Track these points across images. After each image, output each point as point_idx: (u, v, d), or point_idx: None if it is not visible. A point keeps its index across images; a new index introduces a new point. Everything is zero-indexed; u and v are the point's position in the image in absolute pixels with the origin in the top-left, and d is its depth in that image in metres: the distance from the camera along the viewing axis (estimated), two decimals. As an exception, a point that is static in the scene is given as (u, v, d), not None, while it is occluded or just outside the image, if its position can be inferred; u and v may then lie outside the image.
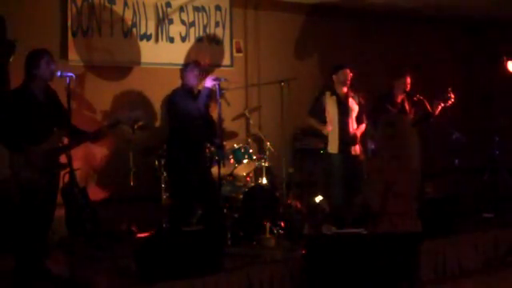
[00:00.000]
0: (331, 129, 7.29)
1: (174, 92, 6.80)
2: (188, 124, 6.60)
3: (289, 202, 7.59)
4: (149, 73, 7.85)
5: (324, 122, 7.37)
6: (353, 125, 7.38)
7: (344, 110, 7.34)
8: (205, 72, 7.45)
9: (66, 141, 5.49)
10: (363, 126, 7.50)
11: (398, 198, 4.53)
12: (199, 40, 8.25)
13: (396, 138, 4.59)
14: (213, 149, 6.92)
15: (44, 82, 5.43)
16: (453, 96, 7.67)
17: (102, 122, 7.23)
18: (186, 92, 6.73)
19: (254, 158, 7.52)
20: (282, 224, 7.08)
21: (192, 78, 6.79)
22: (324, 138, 7.42)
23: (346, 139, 7.29)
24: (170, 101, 6.82)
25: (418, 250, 4.58)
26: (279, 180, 7.76)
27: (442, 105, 7.65)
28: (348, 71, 7.35)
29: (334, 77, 7.40)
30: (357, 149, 7.37)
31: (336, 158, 7.32)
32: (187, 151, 6.62)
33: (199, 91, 6.75)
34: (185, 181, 6.62)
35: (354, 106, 7.40)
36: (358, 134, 7.38)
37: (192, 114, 6.59)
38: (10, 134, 5.22)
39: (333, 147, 7.33)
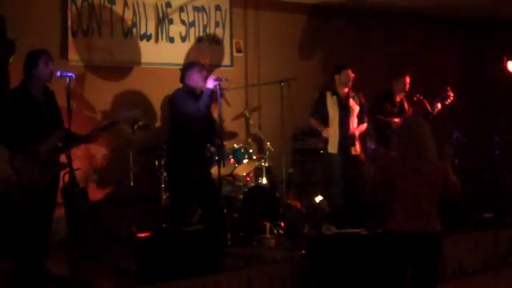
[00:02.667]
0: (331, 133, 7.28)
1: (176, 92, 6.70)
2: (189, 124, 6.55)
3: (289, 201, 7.59)
4: (149, 73, 7.85)
5: (325, 122, 7.37)
6: (353, 125, 7.38)
7: (345, 110, 7.34)
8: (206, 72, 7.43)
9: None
10: (364, 126, 7.51)
11: (409, 197, 4.54)
12: (199, 40, 8.25)
13: (409, 138, 4.61)
14: (213, 149, 6.92)
15: (42, 82, 5.42)
16: (452, 95, 7.68)
17: (102, 122, 7.23)
18: (188, 92, 6.63)
19: (254, 157, 7.52)
20: (282, 224, 7.08)
21: (199, 80, 6.64)
22: (324, 138, 7.42)
23: (347, 139, 7.29)
24: (171, 101, 6.73)
25: (424, 249, 4.56)
26: (279, 180, 7.76)
27: (442, 104, 7.65)
28: (350, 72, 7.36)
29: (336, 77, 7.40)
30: (357, 148, 7.37)
31: (336, 158, 7.32)
32: (188, 151, 6.60)
33: (201, 92, 6.72)
34: (185, 181, 6.60)
35: (354, 107, 7.40)
36: (357, 133, 7.38)
37: (193, 114, 6.51)
38: (10, 134, 5.22)
39: (333, 147, 7.33)
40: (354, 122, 7.40)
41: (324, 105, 7.38)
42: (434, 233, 4.55)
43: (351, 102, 7.39)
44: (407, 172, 4.54)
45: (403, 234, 4.52)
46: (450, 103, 7.72)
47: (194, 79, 6.65)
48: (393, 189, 4.57)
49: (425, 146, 4.57)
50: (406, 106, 7.77)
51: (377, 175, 4.79)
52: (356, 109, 7.41)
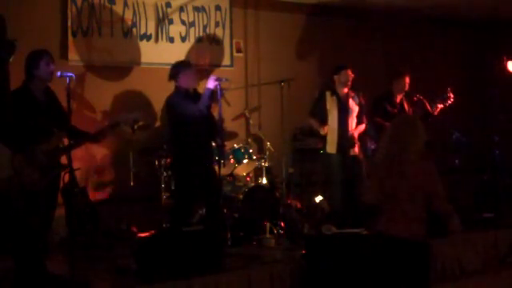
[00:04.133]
0: (327, 130, 7.27)
1: (173, 96, 6.64)
2: (190, 126, 6.49)
3: (289, 201, 7.59)
4: (149, 73, 7.85)
5: (324, 122, 7.36)
6: (352, 125, 7.38)
7: (344, 110, 7.33)
8: (205, 72, 7.43)
9: (65, 141, 5.49)
10: (363, 126, 7.50)
11: (392, 199, 4.46)
12: (199, 40, 8.26)
13: (393, 138, 4.52)
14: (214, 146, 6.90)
15: (43, 82, 5.43)
16: (452, 96, 7.67)
17: (102, 122, 7.24)
18: (184, 95, 6.56)
19: (254, 158, 7.52)
20: (282, 224, 7.08)
21: (192, 80, 6.62)
22: (323, 138, 7.41)
23: (345, 139, 7.29)
24: (170, 105, 6.65)
25: (411, 256, 4.45)
26: (279, 180, 7.76)
27: (442, 105, 7.65)
28: (349, 72, 7.34)
29: (336, 77, 7.39)
30: (356, 149, 7.36)
31: (334, 158, 7.31)
32: (192, 152, 6.56)
33: (196, 91, 6.70)
34: (190, 182, 6.58)
35: (354, 107, 7.39)
36: (356, 134, 7.37)
37: (193, 115, 6.46)
38: (11, 135, 5.22)
39: (331, 147, 7.32)
40: (353, 122, 7.39)
41: (323, 104, 7.37)
42: (417, 242, 4.41)
43: (351, 102, 7.38)
44: (391, 173, 4.44)
45: (388, 237, 4.45)
46: (450, 104, 7.71)
47: (188, 80, 6.60)
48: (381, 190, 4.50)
49: (410, 146, 4.43)
50: (406, 106, 7.76)
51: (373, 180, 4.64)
52: (355, 109, 7.40)
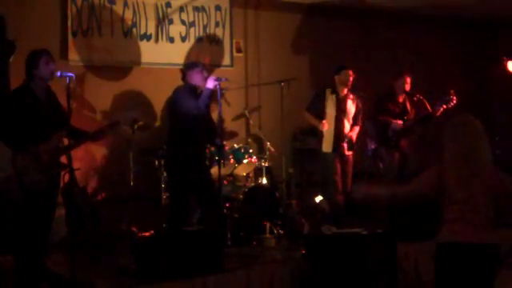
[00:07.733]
0: (328, 127, 7.27)
1: (178, 89, 6.66)
2: (188, 122, 6.50)
3: (289, 202, 7.59)
4: (149, 73, 7.85)
5: (321, 118, 7.35)
6: (347, 126, 7.37)
7: (341, 110, 7.34)
8: (207, 73, 7.42)
9: (65, 141, 5.49)
10: (357, 129, 7.49)
11: (459, 204, 4.36)
12: (199, 40, 8.26)
13: (467, 140, 4.32)
14: (213, 149, 6.91)
15: (44, 81, 5.42)
16: (455, 98, 7.67)
17: (102, 122, 7.24)
18: (189, 91, 6.58)
19: (254, 157, 7.52)
20: (282, 224, 7.08)
21: (200, 79, 6.61)
22: (320, 136, 7.40)
23: (341, 139, 7.30)
24: (173, 97, 6.67)
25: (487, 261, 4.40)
26: (279, 180, 7.76)
27: (445, 107, 7.64)
28: (350, 72, 7.34)
29: (336, 77, 7.39)
30: (345, 147, 7.34)
31: (330, 157, 7.31)
32: (186, 151, 6.58)
33: (201, 91, 6.71)
34: (183, 181, 6.59)
35: (351, 108, 7.40)
36: (354, 136, 7.37)
37: (193, 112, 6.47)
38: (12, 134, 5.22)
39: (327, 146, 7.32)
40: (349, 123, 7.39)
41: (322, 102, 7.38)
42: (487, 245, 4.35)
43: (349, 103, 7.38)
44: (458, 177, 4.28)
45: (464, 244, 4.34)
46: (453, 106, 7.70)
47: (196, 79, 6.62)
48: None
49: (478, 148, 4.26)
50: (408, 106, 7.76)
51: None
52: (352, 111, 7.40)
